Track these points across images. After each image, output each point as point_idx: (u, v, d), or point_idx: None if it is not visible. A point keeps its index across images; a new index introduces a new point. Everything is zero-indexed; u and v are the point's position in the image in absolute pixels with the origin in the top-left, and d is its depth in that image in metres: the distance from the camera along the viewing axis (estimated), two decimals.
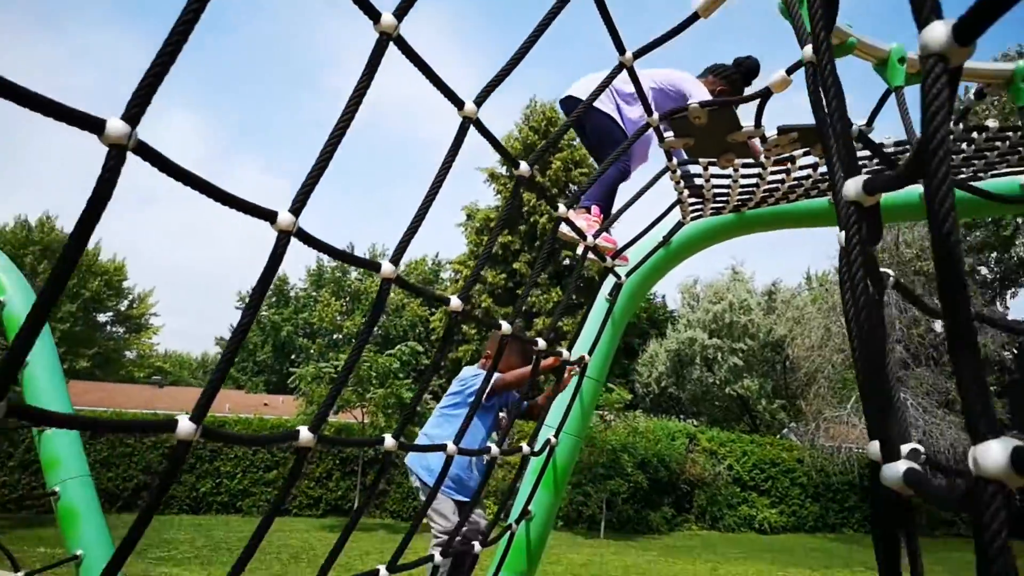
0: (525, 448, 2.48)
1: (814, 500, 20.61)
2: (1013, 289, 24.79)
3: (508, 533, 2.74)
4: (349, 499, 17.85)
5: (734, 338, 26.48)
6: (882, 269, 1.15)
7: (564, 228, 2.22)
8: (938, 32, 0.51)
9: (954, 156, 2.72)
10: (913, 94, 2.00)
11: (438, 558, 2.07)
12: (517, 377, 3.21)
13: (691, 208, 2.98)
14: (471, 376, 3.48)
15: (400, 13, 1.00)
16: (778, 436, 24.33)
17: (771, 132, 2.12)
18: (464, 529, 3.13)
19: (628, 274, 2.98)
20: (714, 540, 17.90)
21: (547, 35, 1.41)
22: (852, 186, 0.75)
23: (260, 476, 17.65)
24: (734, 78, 3.08)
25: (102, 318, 33.50)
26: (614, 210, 2.86)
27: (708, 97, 2.97)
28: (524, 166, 1.50)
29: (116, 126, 0.69)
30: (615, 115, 3.02)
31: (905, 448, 1.09)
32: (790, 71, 1.77)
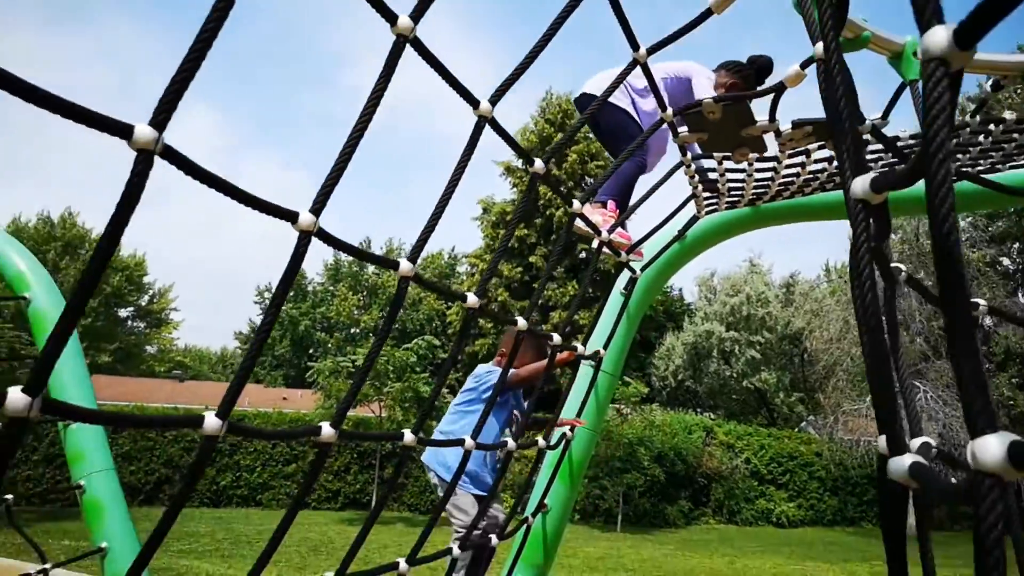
0: (541, 442, 2.50)
1: (832, 494, 20.50)
2: None
3: (525, 526, 2.76)
4: (367, 492, 17.99)
5: (751, 331, 26.36)
6: (894, 264, 1.15)
7: (579, 223, 2.23)
8: (939, 36, 0.52)
9: (971, 148, 2.70)
10: None
11: (456, 551, 2.10)
12: (532, 372, 3.23)
13: (706, 202, 2.98)
14: (485, 373, 3.49)
15: (416, 15, 1.02)
16: (796, 429, 24.20)
17: (786, 126, 2.12)
18: (483, 523, 3.16)
19: (643, 268, 2.99)
20: (731, 534, 17.86)
21: (563, 28, 1.43)
22: (860, 184, 0.76)
23: (280, 470, 17.84)
24: (747, 74, 3.09)
25: (123, 313, 33.94)
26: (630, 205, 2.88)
27: (711, 87, 3.00)
28: (539, 163, 1.51)
29: (144, 132, 0.71)
30: (630, 109, 3.04)
31: (916, 442, 1.10)
32: (804, 65, 1.77)
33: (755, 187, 2.81)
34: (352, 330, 38.21)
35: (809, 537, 18.00)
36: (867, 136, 2.00)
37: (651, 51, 1.68)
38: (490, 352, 27.01)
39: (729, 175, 2.61)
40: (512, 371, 3.24)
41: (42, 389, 0.74)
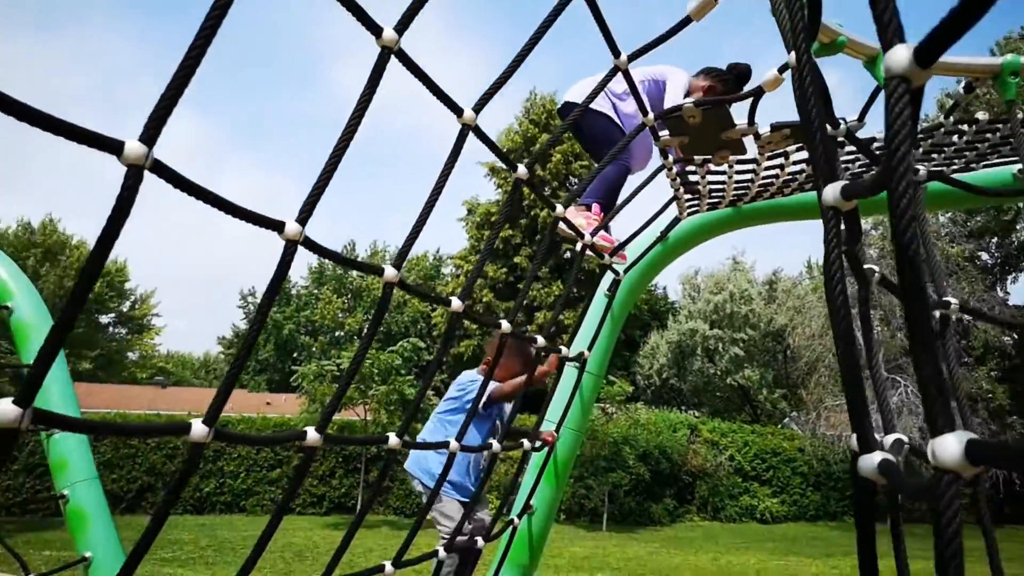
0: (526, 444, 2.53)
1: (815, 489, 20.71)
2: (1014, 274, 24.86)
3: (511, 528, 2.78)
4: (352, 497, 17.93)
5: (735, 328, 26.55)
6: (867, 265, 1.19)
7: (563, 226, 2.26)
8: (900, 55, 0.55)
9: (946, 148, 2.75)
10: None
11: (442, 554, 2.11)
12: (514, 387, 3.23)
13: (688, 204, 3.02)
14: (468, 381, 3.49)
15: (401, 28, 1.04)
16: (779, 426, 24.42)
17: (764, 129, 2.16)
18: (470, 527, 3.17)
19: (626, 270, 3.02)
20: (716, 531, 17.99)
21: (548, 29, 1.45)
22: (831, 192, 0.79)
23: (264, 475, 17.73)
24: (726, 79, 3.15)
25: (104, 319, 33.60)
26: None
27: (682, 91, 3.06)
28: (522, 169, 1.54)
29: (134, 148, 0.73)
30: (612, 114, 3.09)
31: (890, 439, 1.13)
32: (781, 70, 1.81)
33: (736, 188, 2.86)
34: (337, 333, 38.03)
35: (792, 532, 18.18)
36: (843, 139, 2.04)
37: (632, 58, 1.71)
38: (475, 354, 27.00)
39: (710, 177, 2.65)
40: (494, 385, 3.24)
41: (32, 400, 0.75)
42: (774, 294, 27.93)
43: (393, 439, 1.43)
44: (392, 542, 13.16)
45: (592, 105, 2.84)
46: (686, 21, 1.64)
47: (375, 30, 1.02)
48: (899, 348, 19.14)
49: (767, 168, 2.56)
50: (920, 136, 2.63)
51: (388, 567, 1.59)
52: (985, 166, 3.00)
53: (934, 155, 2.87)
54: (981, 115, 2.55)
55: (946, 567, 0.47)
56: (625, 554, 13.39)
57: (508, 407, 3.46)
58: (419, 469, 3.35)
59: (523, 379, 3.19)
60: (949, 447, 0.48)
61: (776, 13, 1.41)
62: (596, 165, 2.69)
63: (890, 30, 0.56)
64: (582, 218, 2.81)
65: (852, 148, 2.51)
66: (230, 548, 12.35)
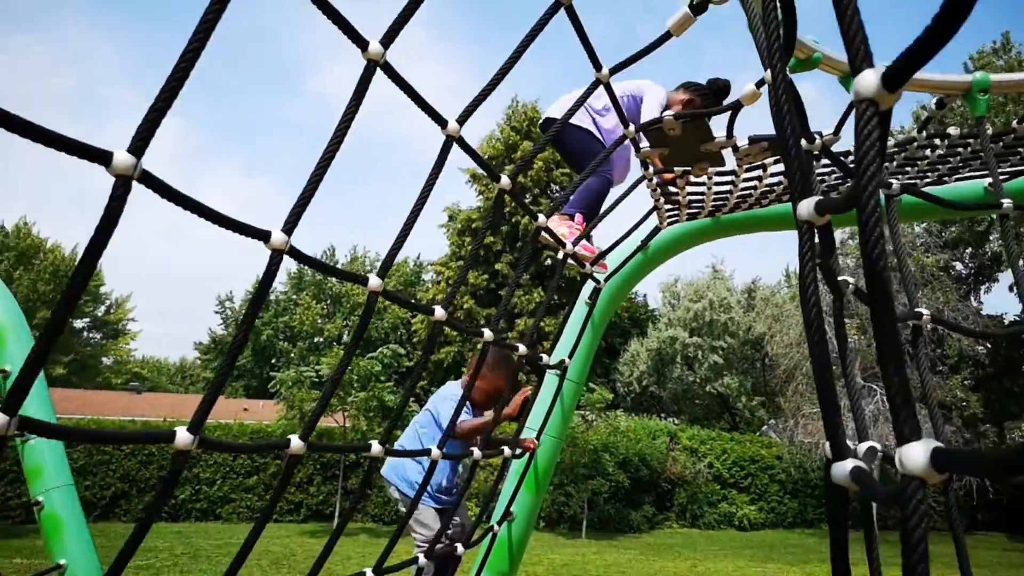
0: (507, 451, 2.54)
1: (793, 496, 20.89)
2: (987, 284, 25.30)
3: (490, 534, 2.79)
4: (331, 504, 17.79)
5: (714, 336, 26.76)
6: (841, 277, 1.22)
7: (545, 235, 2.28)
8: (869, 80, 0.57)
9: (919, 162, 2.82)
10: None
11: (422, 560, 2.12)
12: (478, 427, 3.25)
13: (668, 214, 3.06)
14: (441, 401, 3.47)
15: (387, 41, 1.05)
16: (758, 433, 24.61)
17: (743, 142, 2.20)
18: (449, 532, 3.17)
19: (607, 279, 3.05)
20: (694, 538, 18.08)
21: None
22: (805, 207, 0.81)
23: (240, 482, 17.53)
24: (705, 94, 3.21)
25: (78, 324, 33.11)
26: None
27: (658, 107, 3.12)
28: (505, 179, 1.56)
29: (123, 158, 0.73)
30: (592, 128, 3.15)
31: (863, 447, 1.16)
32: (759, 85, 1.85)
33: (715, 199, 2.90)
34: (316, 339, 37.78)
35: (770, 540, 18.31)
36: (818, 152, 2.09)
37: (613, 71, 1.74)
38: (455, 360, 26.96)
39: (689, 188, 2.69)
40: (463, 420, 3.25)
41: (19, 408, 0.76)
42: (753, 302, 28.21)
43: (376, 447, 1.43)
44: (370, 549, 13.07)
45: (573, 120, 2.89)
46: (666, 36, 1.68)
47: (361, 43, 1.04)
48: (875, 357, 19.35)
49: (745, 180, 2.60)
50: (894, 149, 2.69)
51: (369, 574, 1.59)
52: (957, 179, 3.07)
53: (908, 168, 2.93)
54: (953, 130, 2.61)
55: (912, 570, 0.49)
56: (604, 561, 13.42)
57: (488, 413, 3.46)
58: (396, 476, 3.35)
59: (485, 422, 3.20)
60: (915, 454, 0.50)
61: (753, 30, 1.44)
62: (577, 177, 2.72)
63: (859, 56, 0.58)
64: (564, 227, 2.84)
65: (828, 161, 2.57)
66: (205, 556, 12.20)
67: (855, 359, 17.52)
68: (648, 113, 3.08)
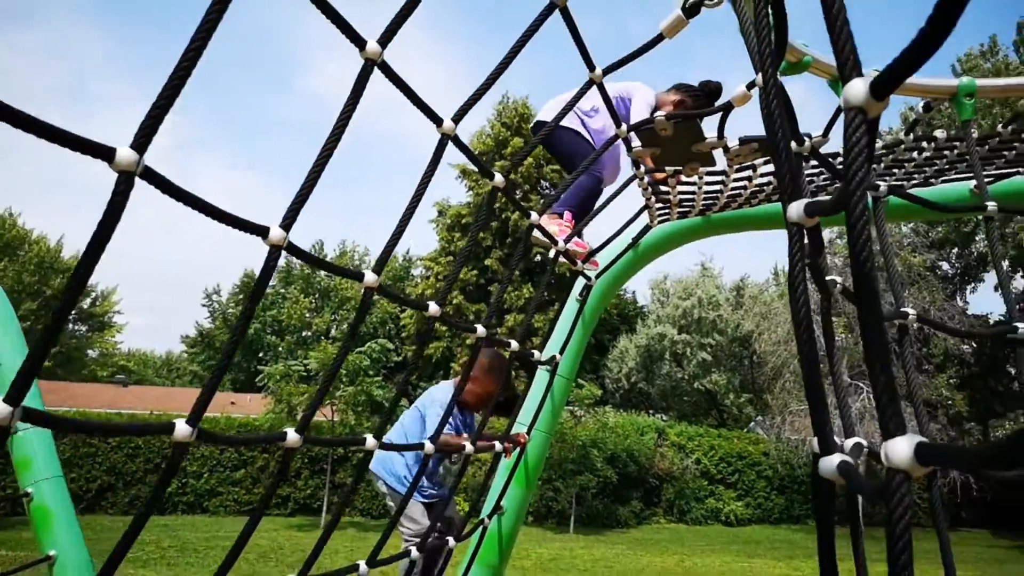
0: (498, 446, 2.56)
1: (779, 492, 21.05)
2: (973, 284, 25.53)
3: (481, 528, 2.81)
4: (318, 498, 17.77)
5: (703, 333, 26.88)
6: (829, 277, 1.24)
7: (537, 233, 2.30)
8: (857, 89, 0.59)
9: (906, 164, 2.85)
10: None
11: (415, 553, 2.14)
12: (452, 447, 3.27)
13: (658, 213, 3.08)
14: (431, 403, 3.47)
15: (384, 40, 1.07)
16: (745, 430, 24.77)
17: (733, 143, 2.22)
18: (438, 525, 3.20)
19: (598, 276, 3.08)
20: (682, 533, 18.20)
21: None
22: (795, 209, 0.84)
23: (227, 476, 17.48)
24: (697, 95, 3.25)
25: None
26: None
27: (647, 109, 3.15)
28: (499, 177, 1.57)
29: (126, 155, 0.74)
30: (581, 129, 3.19)
31: (850, 442, 1.19)
32: (750, 87, 1.87)
33: (705, 198, 2.92)
34: (304, 333, 37.67)
35: (756, 535, 18.46)
36: (807, 153, 2.11)
37: (606, 71, 1.76)
38: (444, 356, 26.98)
39: (680, 187, 2.71)
40: (445, 436, 3.25)
41: (23, 399, 0.77)
42: (741, 300, 28.35)
43: (371, 440, 1.45)
44: (358, 543, 13.08)
45: (563, 122, 2.93)
46: (659, 38, 1.69)
47: (359, 42, 1.05)
48: (862, 355, 19.52)
49: (735, 180, 2.63)
50: (882, 152, 2.72)
51: (363, 567, 1.61)
52: (944, 181, 3.11)
53: (895, 170, 2.96)
54: (939, 133, 2.64)
55: (896, 560, 0.51)
56: (592, 556, 13.49)
57: (478, 416, 3.48)
58: (384, 470, 3.36)
59: (460, 445, 3.22)
60: (900, 449, 0.52)
61: (744, 34, 1.46)
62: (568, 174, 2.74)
63: (848, 65, 0.60)
64: (555, 225, 2.87)
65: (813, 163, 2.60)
66: (192, 549, 12.18)
67: (842, 357, 17.68)
68: (637, 115, 3.11)
